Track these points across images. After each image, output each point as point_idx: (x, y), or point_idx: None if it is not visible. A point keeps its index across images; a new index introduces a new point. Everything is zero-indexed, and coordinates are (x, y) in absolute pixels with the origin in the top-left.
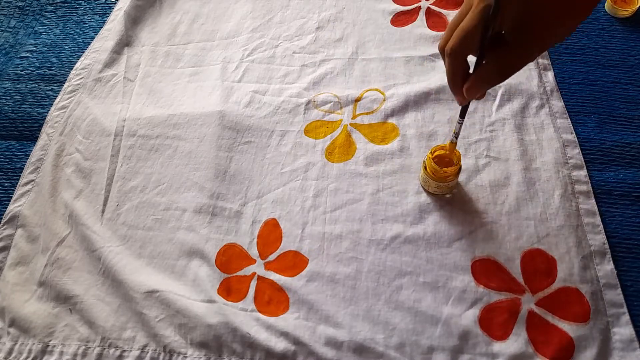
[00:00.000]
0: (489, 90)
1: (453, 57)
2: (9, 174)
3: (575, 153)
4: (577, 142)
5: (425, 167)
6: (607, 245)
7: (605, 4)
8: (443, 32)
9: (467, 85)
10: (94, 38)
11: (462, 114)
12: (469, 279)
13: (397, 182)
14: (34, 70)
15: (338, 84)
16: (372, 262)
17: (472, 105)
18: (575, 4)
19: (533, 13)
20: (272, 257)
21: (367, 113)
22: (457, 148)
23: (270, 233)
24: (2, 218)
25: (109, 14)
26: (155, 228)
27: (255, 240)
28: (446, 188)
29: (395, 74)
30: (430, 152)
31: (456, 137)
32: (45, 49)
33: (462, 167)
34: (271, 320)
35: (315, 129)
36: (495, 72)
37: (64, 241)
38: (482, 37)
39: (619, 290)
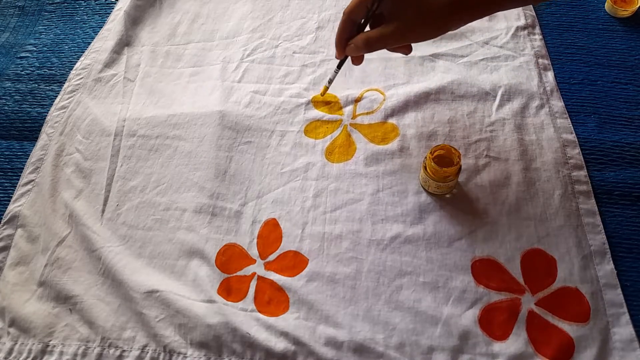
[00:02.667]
0: (489, 91)
1: (344, 18)
2: (9, 174)
3: (575, 153)
4: (577, 142)
5: (425, 167)
6: (607, 245)
7: (605, 4)
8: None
9: (349, 45)
10: (94, 38)
11: (339, 66)
12: (469, 279)
13: (397, 182)
14: (34, 70)
15: (338, 84)
16: (372, 262)
17: (472, 105)
18: (432, 10)
19: (398, 9)
20: (272, 257)
21: (367, 113)
22: (457, 148)
23: (270, 233)
24: (2, 218)
25: (109, 14)
26: (155, 228)
27: (255, 240)
28: (446, 188)
29: (395, 74)
30: (430, 152)
31: (329, 83)
32: (45, 49)
33: (462, 167)
34: (271, 320)
35: (315, 129)
36: (362, 42)
37: (64, 241)
38: (367, 10)
39: (619, 290)
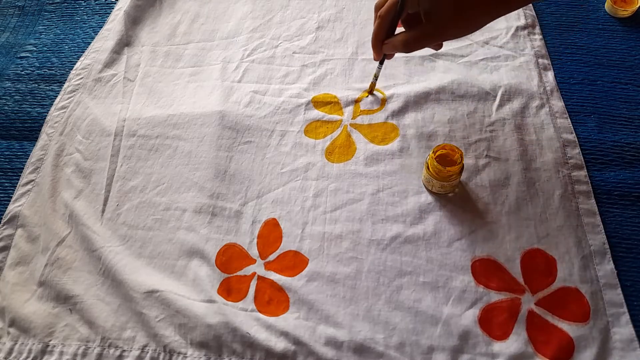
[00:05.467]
0: (489, 91)
1: (381, 19)
2: (9, 174)
3: (575, 153)
4: (577, 142)
5: (427, 167)
6: (607, 245)
7: (605, 4)
8: None
9: (385, 44)
10: (94, 38)
11: (381, 62)
12: (469, 279)
13: (397, 182)
14: (34, 70)
15: (338, 84)
16: (372, 262)
17: (472, 105)
18: (468, 7)
19: (436, 8)
20: (272, 257)
21: (367, 113)
22: (458, 147)
23: (270, 233)
24: (2, 218)
25: (109, 14)
26: (155, 228)
27: (255, 240)
28: (450, 187)
29: (395, 74)
30: (433, 152)
31: (375, 79)
32: (45, 49)
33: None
34: (271, 320)
35: (315, 129)
36: (401, 44)
37: (64, 241)
38: (398, 10)
39: (619, 290)
